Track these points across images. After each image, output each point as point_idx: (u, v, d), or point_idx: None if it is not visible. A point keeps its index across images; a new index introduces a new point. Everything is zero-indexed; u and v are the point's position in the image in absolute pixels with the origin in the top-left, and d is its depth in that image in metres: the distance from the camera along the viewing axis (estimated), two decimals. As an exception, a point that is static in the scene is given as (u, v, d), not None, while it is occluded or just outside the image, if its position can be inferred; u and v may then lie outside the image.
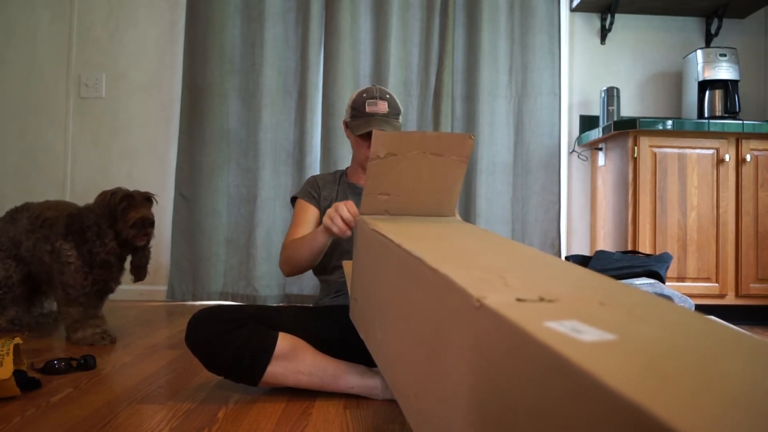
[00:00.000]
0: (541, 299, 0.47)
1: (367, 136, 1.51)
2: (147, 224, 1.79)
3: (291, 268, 1.50)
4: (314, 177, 1.67)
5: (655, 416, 0.26)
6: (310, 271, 1.60)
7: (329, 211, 1.26)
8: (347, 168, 1.72)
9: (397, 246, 0.77)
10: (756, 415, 0.26)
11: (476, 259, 0.70)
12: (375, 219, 1.06)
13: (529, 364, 0.38)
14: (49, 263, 1.85)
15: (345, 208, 1.23)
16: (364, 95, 1.54)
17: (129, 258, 1.92)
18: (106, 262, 1.80)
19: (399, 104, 1.59)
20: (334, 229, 1.23)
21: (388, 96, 1.55)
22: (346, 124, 1.60)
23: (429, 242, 0.82)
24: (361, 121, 1.52)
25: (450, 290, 0.54)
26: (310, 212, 1.57)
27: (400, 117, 1.58)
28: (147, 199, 1.85)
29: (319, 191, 1.60)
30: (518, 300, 0.46)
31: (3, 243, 1.98)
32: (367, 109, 1.51)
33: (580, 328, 0.39)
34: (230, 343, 1.24)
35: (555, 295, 0.48)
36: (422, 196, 1.14)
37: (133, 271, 1.91)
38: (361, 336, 1.06)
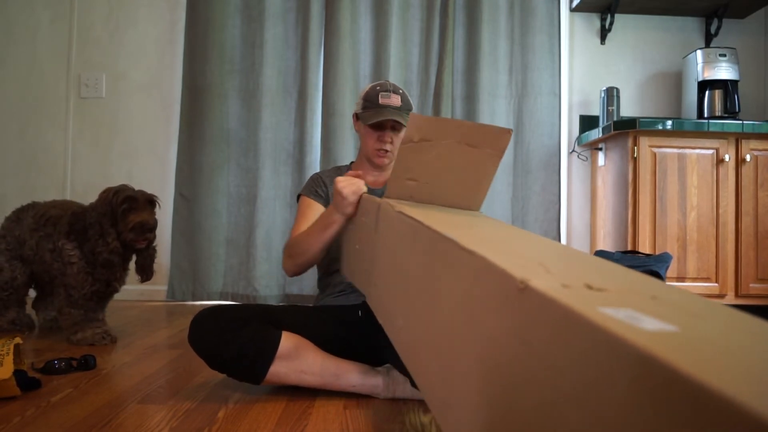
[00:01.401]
0: (589, 287, 0.43)
1: (378, 127, 1.51)
2: (146, 229, 1.76)
3: (298, 265, 1.45)
4: (318, 174, 1.64)
5: (745, 407, 0.24)
6: (310, 271, 1.59)
7: (341, 180, 1.24)
8: (352, 163, 1.70)
9: (427, 228, 0.74)
10: None
11: (512, 246, 0.67)
12: (400, 203, 1.02)
13: (580, 350, 0.35)
14: (50, 262, 1.84)
15: (357, 184, 1.23)
16: (378, 88, 1.54)
17: (134, 257, 1.90)
18: (108, 262, 1.77)
19: (411, 101, 1.59)
20: (349, 197, 1.22)
21: (401, 91, 1.55)
22: (357, 116, 1.59)
23: (460, 229, 0.78)
24: (372, 111, 1.51)
25: (488, 272, 0.51)
26: (317, 210, 1.53)
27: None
28: (150, 201, 1.81)
29: (326, 189, 1.57)
30: (564, 286, 0.43)
31: (9, 243, 1.96)
32: (381, 101, 1.50)
33: (638, 317, 0.36)
34: (233, 342, 1.24)
35: (602, 285, 0.45)
36: (451, 186, 1.10)
37: (138, 271, 1.89)
38: (380, 321, 1.03)
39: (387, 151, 1.53)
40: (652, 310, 0.39)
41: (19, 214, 2.00)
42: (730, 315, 0.43)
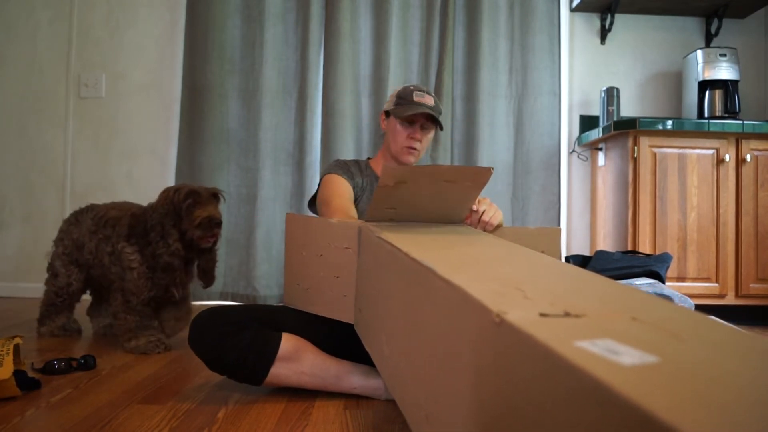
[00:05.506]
0: (567, 314, 0.43)
1: (410, 123, 1.56)
2: (214, 224, 1.65)
3: None
4: (343, 161, 1.66)
5: None
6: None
7: None
8: (369, 159, 1.72)
9: (405, 255, 0.73)
10: None
11: (490, 268, 0.67)
12: (380, 226, 1.02)
13: (560, 389, 0.35)
14: (108, 266, 1.76)
15: None
16: (412, 87, 1.59)
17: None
18: (169, 265, 1.67)
19: (441, 106, 1.65)
20: None
21: (433, 94, 1.61)
22: (386, 113, 1.63)
23: (439, 251, 0.78)
24: (407, 106, 1.55)
25: (465, 304, 0.51)
26: (347, 186, 1.54)
27: (440, 118, 1.60)
28: (214, 195, 1.72)
29: (352, 175, 1.59)
30: (542, 315, 0.43)
31: (66, 246, 1.88)
32: (415, 98, 1.55)
33: (616, 348, 0.35)
34: (234, 345, 1.24)
35: (581, 309, 0.45)
36: (431, 209, 1.09)
37: (200, 275, 1.79)
38: (367, 348, 1.02)
39: (415, 149, 1.57)
40: (632, 336, 0.38)
41: (78, 216, 1.92)
42: (714, 331, 0.42)
